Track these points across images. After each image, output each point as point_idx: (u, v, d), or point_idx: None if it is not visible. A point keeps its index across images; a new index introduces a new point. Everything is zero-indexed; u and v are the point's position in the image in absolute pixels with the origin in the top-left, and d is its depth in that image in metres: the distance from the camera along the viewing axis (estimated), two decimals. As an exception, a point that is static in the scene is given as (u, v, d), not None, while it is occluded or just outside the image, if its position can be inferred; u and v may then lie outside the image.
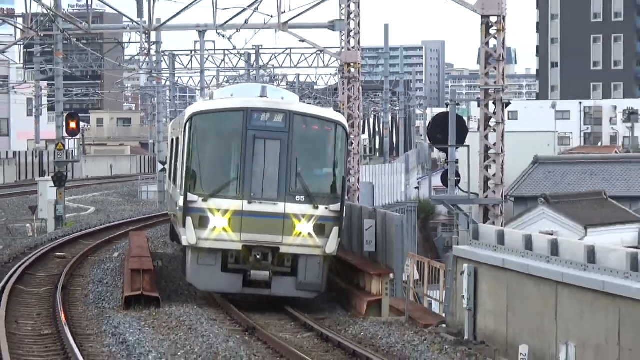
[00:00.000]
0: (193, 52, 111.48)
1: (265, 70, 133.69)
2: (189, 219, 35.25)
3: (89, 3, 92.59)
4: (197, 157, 37.34)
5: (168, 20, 77.13)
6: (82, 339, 34.90)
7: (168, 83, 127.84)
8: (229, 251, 36.64)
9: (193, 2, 75.06)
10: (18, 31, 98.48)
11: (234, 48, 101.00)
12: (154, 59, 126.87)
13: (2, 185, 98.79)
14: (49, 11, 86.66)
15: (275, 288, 35.48)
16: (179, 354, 32.54)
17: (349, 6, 68.84)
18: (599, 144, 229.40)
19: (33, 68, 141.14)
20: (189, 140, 37.06)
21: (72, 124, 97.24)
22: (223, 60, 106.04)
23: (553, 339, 32.13)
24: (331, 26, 73.16)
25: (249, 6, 75.94)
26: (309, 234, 35.08)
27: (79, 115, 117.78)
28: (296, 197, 34.58)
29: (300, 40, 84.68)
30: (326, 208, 34.36)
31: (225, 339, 34.93)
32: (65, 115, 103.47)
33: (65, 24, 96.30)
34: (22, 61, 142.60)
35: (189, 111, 39.51)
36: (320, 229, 34.57)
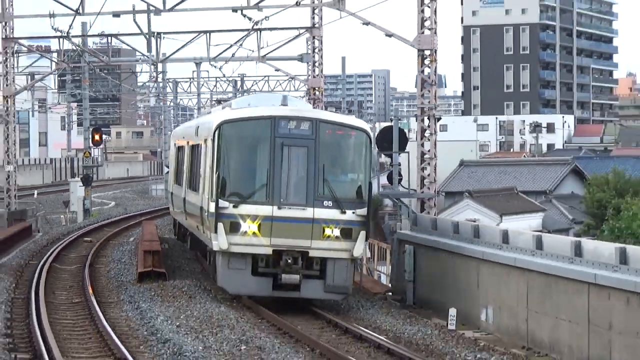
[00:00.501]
0: (191, 79, 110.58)
1: (249, 94, 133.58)
2: (220, 225, 30.94)
3: (109, 41, 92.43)
4: (226, 164, 32.65)
5: (171, 55, 76.67)
6: (105, 305, 35.01)
7: (172, 104, 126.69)
8: (259, 255, 32.08)
9: (191, 40, 74.95)
10: (53, 64, 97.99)
11: (224, 76, 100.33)
12: (161, 85, 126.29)
13: (41, 185, 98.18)
14: (77, 48, 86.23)
15: (304, 291, 31.25)
16: (182, 317, 32.73)
17: (313, 43, 68.67)
18: (511, 150, 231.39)
19: (65, 92, 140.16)
20: (217, 148, 32.57)
21: (96, 137, 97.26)
22: (215, 85, 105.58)
23: (476, 303, 35.32)
24: (300, 58, 72.82)
25: (235, 43, 75.77)
26: (337, 238, 30.82)
27: (102, 129, 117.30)
28: (324, 203, 30.51)
29: (275, 70, 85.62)
30: (353, 212, 30.45)
31: (218, 305, 35.27)
32: (90, 129, 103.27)
33: (90, 57, 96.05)
34: (56, 87, 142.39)
35: (217, 120, 34.48)
36: (348, 233, 30.45)
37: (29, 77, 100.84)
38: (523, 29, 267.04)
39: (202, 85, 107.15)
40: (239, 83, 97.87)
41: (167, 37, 74.48)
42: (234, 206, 29.41)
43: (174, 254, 45.24)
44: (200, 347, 27.60)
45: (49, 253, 49.17)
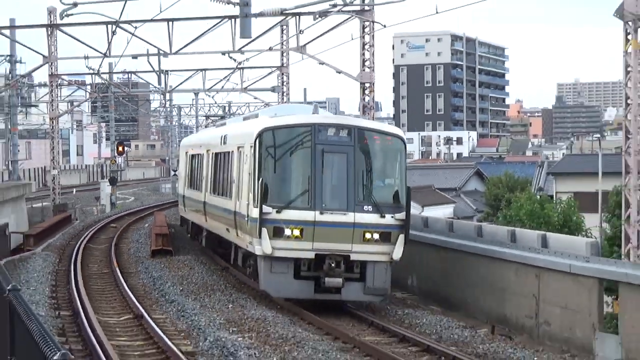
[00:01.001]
0: (191, 105, 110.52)
1: (234, 116, 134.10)
2: (264, 230, 25.88)
3: (129, 76, 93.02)
4: (268, 170, 27.16)
5: (176, 87, 76.31)
6: (126, 275, 34.93)
7: (176, 124, 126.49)
8: (301, 259, 26.71)
9: (190, 75, 75.24)
10: (87, 94, 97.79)
11: (215, 103, 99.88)
12: (168, 109, 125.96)
13: (78, 185, 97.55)
14: (105, 81, 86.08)
15: (345, 293, 26.33)
16: (184, 282, 32.92)
17: (282, 78, 68.71)
18: (430, 158, 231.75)
19: (96, 115, 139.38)
20: (259, 155, 27.25)
21: (120, 148, 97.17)
22: (209, 110, 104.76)
23: (407, 273, 34.70)
24: (273, 89, 72.97)
25: (224, 78, 76.10)
26: (377, 241, 25.95)
27: (124, 142, 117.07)
28: (364, 207, 25.82)
29: (254, 98, 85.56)
30: (392, 217, 25.83)
31: (211, 273, 35.38)
32: (115, 143, 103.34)
33: (115, 89, 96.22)
34: (89, 111, 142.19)
35: (257, 127, 28.54)
36: (387, 237, 25.83)
37: (69, 103, 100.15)
38: (439, 67, 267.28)
39: (199, 109, 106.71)
40: (227, 108, 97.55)
41: (172, 74, 74.40)
42: (277, 212, 24.49)
43: (178, 236, 44.98)
44: (198, 306, 27.77)
45: (84, 236, 48.93)
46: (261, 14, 40.96)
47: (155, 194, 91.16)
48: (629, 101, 26.20)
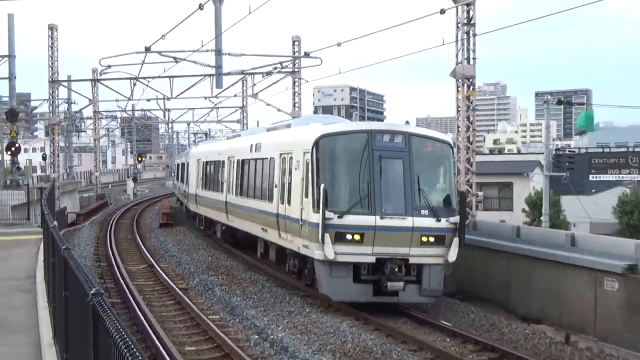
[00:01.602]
0: (185, 131, 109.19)
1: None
2: (327, 235, 18.73)
3: (145, 113, 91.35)
4: (328, 176, 19.84)
5: (175, 119, 75.92)
6: (143, 239, 34.33)
7: (175, 143, 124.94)
8: (361, 263, 19.59)
9: (184, 112, 74.64)
10: (118, 124, 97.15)
11: (200, 130, 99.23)
12: (170, 134, 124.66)
13: (112, 182, 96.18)
14: (130, 116, 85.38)
15: (402, 295, 19.57)
16: (180, 244, 32.43)
17: (243, 113, 67.89)
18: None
19: (124, 137, 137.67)
20: (317, 161, 19.94)
21: (139, 159, 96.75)
22: (195, 134, 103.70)
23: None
24: (237, 121, 72.00)
25: (206, 113, 75.50)
26: (433, 244, 19.58)
27: (142, 155, 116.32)
28: (421, 212, 19.54)
29: (225, 127, 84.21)
30: (446, 220, 19.57)
31: (198, 239, 34.59)
32: (136, 155, 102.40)
33: (136, 121, 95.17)
34: (120, 134, 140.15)
35: (315, 134, 20.76)
36: (442, 240, 19.62)
37: (106, 130, 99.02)
38: (342, 107, 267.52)
39: (191, 134, 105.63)
40: (208, 134, 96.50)
41: (173, 111, 74.36)
42: (338, 217, 18.04)
43: (177, 215, 44.27)
44: (189, 259, 27.53)
45: (115, 215, 48.25)
46: (228, 73, 40.96)
47: (162, 188, 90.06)
48: (459, 129, 26.46)
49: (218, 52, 26.69)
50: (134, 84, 48.72)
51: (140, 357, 3.68)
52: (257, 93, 49.82)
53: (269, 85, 48.88)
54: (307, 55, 38.64)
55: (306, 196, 18.68)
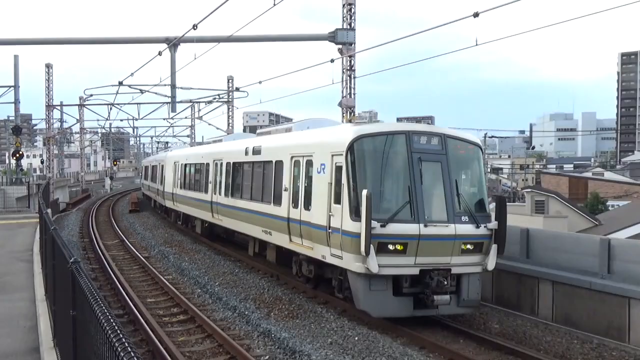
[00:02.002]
0: (150, 143, 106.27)
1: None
2: (371, 247, 11.02)
3: (118, 129, 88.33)
4: (369, 181, 11.95)
5: (142, 134, 73.85)
6: (116, 221, 33.03)
7: (142, 152, 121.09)
8: (402, 275, 12.06)
9: (148, 130, 72.35)
10: (99, 137, 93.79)
11: (161, 142, 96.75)
12: (138, 145, 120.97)
13: (94, 179, 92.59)
14: (108, 132, 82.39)
15: (442, 307, 12.09)
16: (144, 224, 31.26)
17: (192, 132, 66.48)
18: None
19: (104, 147, 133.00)
20: (353, 164, 12.05)
21: (115, 162, 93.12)
22: (157, 145, 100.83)
23: None
24: (187, 136, 70.61)
25: (164, 131, 73.56)
26: (472, 252, 12.55)
27: (117, 159, 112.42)
28: (462, 218, 12.43)
29: (178, 140, 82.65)
30: (484, 227, 12.52)
31: (158, 220, 33.50)
32: (112, 159, 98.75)
33: (112, 135, 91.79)
34: (100, 145, 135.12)
35: (349, 134, 12.48)
36: (481, 247, 12.55)
37: (90, 141, 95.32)
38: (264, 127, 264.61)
39: (153, 145, 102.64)
40: (167, 145, 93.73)
41: (140, 128, 72.19)
42: (382, 226, 11.71)
43: (143, 203, 42.95)
44: (151, 235, 26.72)
45: (96, 203, 46.40)
46: (180, 102, 40.14)
47: (132, 184, 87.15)
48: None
49: (172, 86, 26.01)
50: (110, 108, 47.56)
51: (103, 307, 3.55)
52: (202, 116, 49.17)
53: (210, 111, 48.77)
54: (237, 89, 38.96)
55: (336, 202, 12.33)
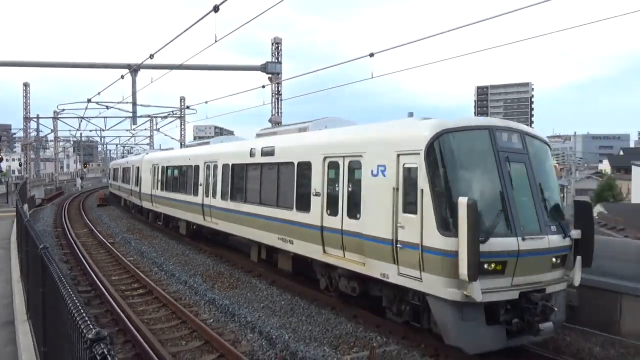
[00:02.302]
0: (115, 150, 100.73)
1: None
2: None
3: (88, 138, 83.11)
4: (461, 187, 6.20)
5: (108, 142, 69.74)
6: (86, 214, 30.93)
7: (109, 157, 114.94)
8: (498, 301, 6.11)
9: (113, 139, 68.36)
10: (71, 144, 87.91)
11: (124, 149, 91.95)
12: (105, 151, 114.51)
13: (67, 179, 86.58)
14: (78, 140, 77.38)
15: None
16: (110, 216, 29.38)
17: (151, 141, 63.49)
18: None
19: (75, 152, 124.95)
20: (436, 165, 6.34)
21: (85, 165, 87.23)
22: (123, 150, 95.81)
23: None
24: (147, 144, 67.54)
25: (127, 140, 69.82)
26: (559, 266, 6.57)
27: (87, 162, 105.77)
28: (551, 228, 6.42)
29: (140, 147, 79.01)
30: (569, 237, 6.69)
31: (122, 213, 31.62)
32: (83, 162, 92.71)
33: (83, 142, 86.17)
34: (73, 150, 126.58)
35: (429, 129, 6.70)
36: (565, 260, 6.58)
37: (63, 147, 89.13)
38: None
39: (119, 152, 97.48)
40: (130, 150, 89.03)
41: (106, 137, 68.38)
42: (482, 241, 5.83)
43: (110, 199, 40.65)
44: (115, 224, 25.24)
45: (69, 199, 43.38)
46: (141, 116, 38.51)
47: (100, 183, 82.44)
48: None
49: (133, 104, 24.82)
50: (81, 121, 45.02)
51: (66, 285, 3.26)
52: (159, 128, 47.46)
53: (166, 124, 47.30)
54: (188, 107, 38.01)
55: (409, 211, 7.75)
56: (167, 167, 21.01)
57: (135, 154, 34.67)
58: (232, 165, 14.12)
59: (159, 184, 21.84)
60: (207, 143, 18.74)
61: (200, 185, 16.42)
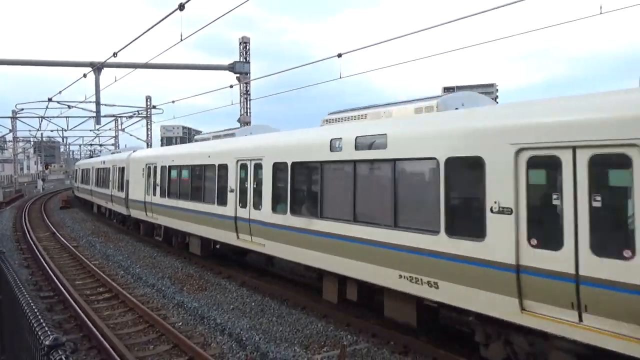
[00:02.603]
0: (79, 150, 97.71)
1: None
2: None
3: (49, 138, 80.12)
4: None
5: (71, 143, 67.54)
6: (48, 217, 29.90)
7: (72, 157, 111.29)
8: None
9: (76, 140, 66.30)
10: (32, 145, 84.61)
11: (90, 150, 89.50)
12: (68, 152, 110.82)
13: (28, 181, 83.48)
14: (39, 140, 74.65)
15: None
16: (74, 218, 28.50)
17: (116, 141, 61.88)
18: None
19: (36, 153, 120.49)
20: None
21: (46, 167, 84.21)
22: (88, 151, 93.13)
23: None
24: (112, 145, 65.72)
25: (91, 140, 67.78)
26: None
27: (48, 164, 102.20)
28: None
29: (105, 148, 76.71)
30: None
31: (87, 215, 30.70)
32: (44, 164, 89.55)
33: (44, 143, 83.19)
34: (33, 151, 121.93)
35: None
36: None
37: (23, 149, 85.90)
38: (178, 138, 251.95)
39: (82, 153, 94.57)
40: (94, 151, 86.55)
41: (68, 137, 66.24)
42: None
43: (73, 201, 39.46)
44: (79, 227, 24.52)
45: (29, 202, 41.82)
46: (105, 116, 37.62)
47: (62, 185, 79.83)
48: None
49: (97, 103, 24.13)
50: (41, 120, 43.45)
51: (23, 290, 3.14)
52: (124, 128, 46.30)
53: (132, 124, 46.06)
54: (154, 107, 37.25)
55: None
56: (171, 168, 15.42)
57: (113, 153, 28.95)
58: (294, 164, 9.49)
59: (158, 189, 16.35)
60: (232, 135, 13.56)
61: (231, 191, 11.54)
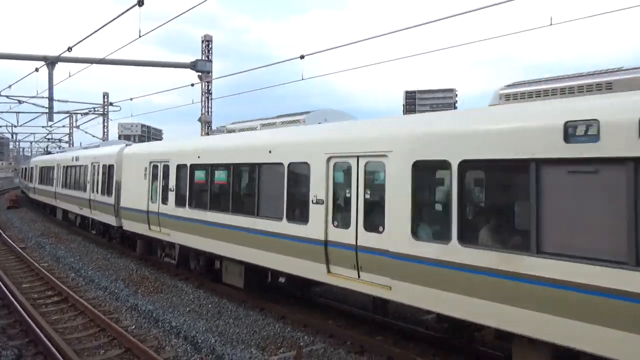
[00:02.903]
0: (29, 147, 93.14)
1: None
2: None
3: (16, 140, 75.87)
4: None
5: (22, 139, 64.34)
6: (-6, 217, 28.61)
7: (22, 155, 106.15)
8: None
9: (27, 136, 63.22)
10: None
11: (40, 147, 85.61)
12: (17, 148, 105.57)
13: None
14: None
15: None
16: (22, 219, 27.21)
17: (71, 139, 59.54)
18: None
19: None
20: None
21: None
22: (38, 149, 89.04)
23: None
24: (67, 142, 63.08)
25: (43, 137, 64.82)
26: None
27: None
28: None
29: (58, 146, 73.47)
30: None
31: (37, 215, 29.38)
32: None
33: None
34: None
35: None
36: None
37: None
38: (137, 137, 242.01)
39: (33, 151, 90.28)
40: (47, 148, 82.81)
41: (18, 133, 63.07)
42: None
43: (22, 200, 37.67)
44: (28, 228, 23.39)
45: (-26, 201, 39.68)
46: (58, 112, 36.10)
47: (11, 184, 76.04)
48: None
49: (50, 99, 23.16)
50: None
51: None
52: (79, 125, 44.61)
53: (87, 121, 44.71)
54: (112, 104, 36.20)
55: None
56: (195, 168, 11.30)
57: (87, 147, 23.38)
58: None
59: (172, 195, 12.23)
60: (301, 122, 9.46)
61: (319, 202, 7.87)
